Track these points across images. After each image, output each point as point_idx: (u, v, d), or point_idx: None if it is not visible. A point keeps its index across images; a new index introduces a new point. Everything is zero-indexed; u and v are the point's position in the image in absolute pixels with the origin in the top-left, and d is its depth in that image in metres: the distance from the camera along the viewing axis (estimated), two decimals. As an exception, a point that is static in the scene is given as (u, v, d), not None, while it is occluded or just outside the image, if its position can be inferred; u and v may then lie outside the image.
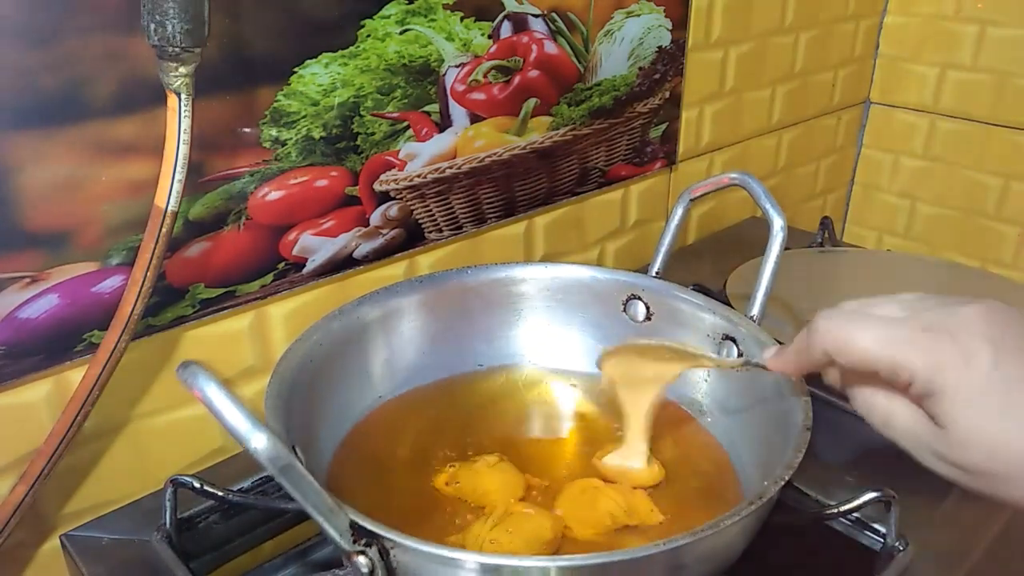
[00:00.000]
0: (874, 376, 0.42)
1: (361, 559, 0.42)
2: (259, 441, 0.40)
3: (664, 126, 0.95)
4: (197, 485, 0.56)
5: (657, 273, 0.69)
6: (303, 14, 0.61)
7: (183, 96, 0.51)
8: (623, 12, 0.84)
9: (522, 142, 0.80)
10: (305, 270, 0.68)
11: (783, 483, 0.45)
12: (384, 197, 0.71)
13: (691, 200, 0.68)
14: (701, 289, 0.67)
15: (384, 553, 0.43)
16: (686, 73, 0.95)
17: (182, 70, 0.50)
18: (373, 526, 0.42)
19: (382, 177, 0.71)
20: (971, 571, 0.56)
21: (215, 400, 0.40)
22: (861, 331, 0.41)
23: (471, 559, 0.42)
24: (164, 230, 0.53)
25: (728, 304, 0.65)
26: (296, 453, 0.48)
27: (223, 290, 0.64)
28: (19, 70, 0.50)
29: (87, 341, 0.58)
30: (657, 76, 0.91)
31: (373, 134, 0.68)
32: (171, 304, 0.61)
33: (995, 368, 0.37)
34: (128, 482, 0.63)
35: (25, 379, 0.56)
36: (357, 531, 0.43)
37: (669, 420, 0.64)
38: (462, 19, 0.71)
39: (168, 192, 0.52)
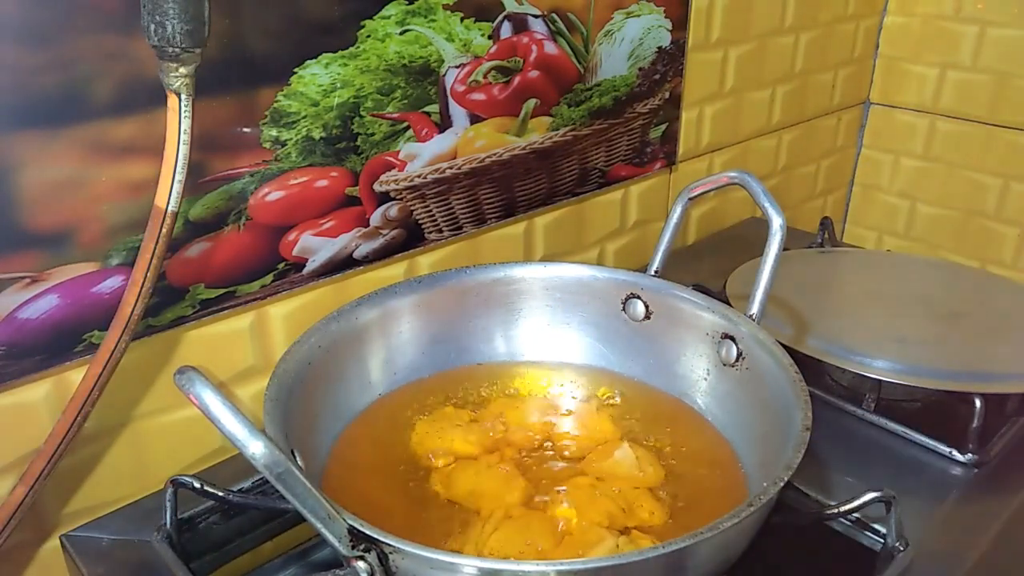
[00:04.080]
0: None
1: (360, 564, 0.42)
2: (256, 448, 0.40)
3: (664, 126, 0.95)
4: (197, 485, 0.56)
5: (656, 272, 0.69)
6: (303, 14, 0.61)
7: (183, 96, 0.51)
8: (623, 12, 0.84)
9: (522, 142, 0.80)
10: (305, 270, 0.68)
11: (782, 484, 0.45)
12: (384, 197, 0.71)
13: (690, 199, 0.68)
14: (701, 289, 0.67)
15: (383, 558, 0.42)
16: (686, 73, 0.95)
17: (182, 70, 0.50)
18: (371, 531, 0.42)
19: (382, 177, 0.71)
20: (971, 571, 0.56)
21: (212, 407, 0.40)
22: None
23: (471, 564, 0.42)
24: (164, 230, 0.53)
25: (728, 304, 0.65)
26: (294, 458, 0.48)
27: (223, 290, 0.64)
28: (19, 70, 0.50)
29: (87, 341, 0.58)
30: (657, 76, 0.91)
31: (373, 134, 0.68)
32: (171, 304, 0.61)
33: None
34: (128, 482, 0.63)
35: (25, 379, 0.56)
36: (355, 536, 0.43)
37: (672, 418, 0.64)
38: (462, 20, 0.71)
39: (168, 192, 0.52)
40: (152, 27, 0.49)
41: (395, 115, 0.69)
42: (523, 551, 0.51)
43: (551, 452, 0.61)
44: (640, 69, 0.88)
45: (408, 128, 0.71)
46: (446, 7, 0.69)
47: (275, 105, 0.62)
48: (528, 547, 0.51)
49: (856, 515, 0.58)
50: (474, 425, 0.63)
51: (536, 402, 0.67)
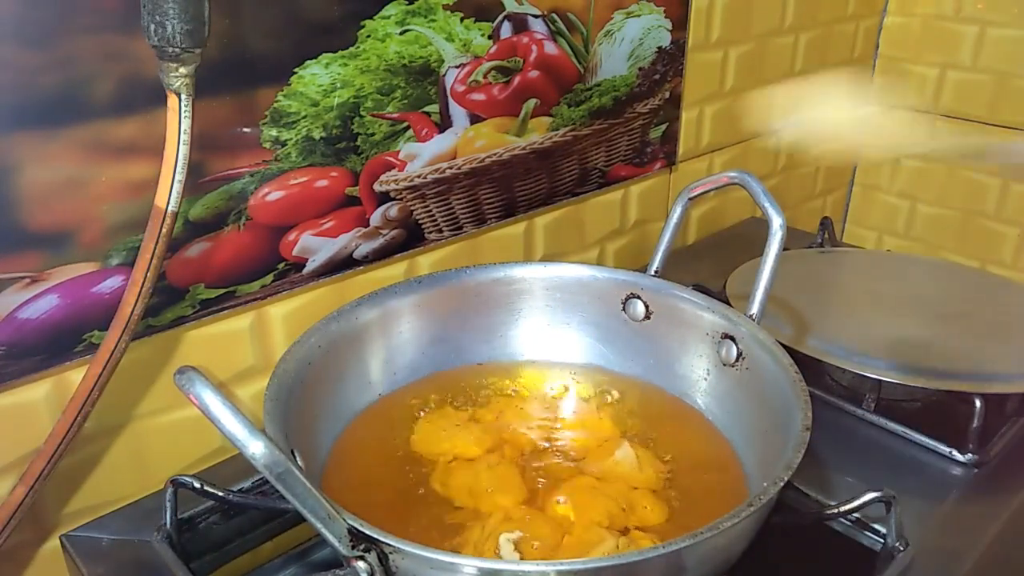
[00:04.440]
0: None
1: (360, 564, 0.42)
2: (256, 448, 0.40)
3: (664, 126, 0.95)
4: (197, 485, 0.56)
5: (656, 272, 0.69)
6: (303, 14, 0.61)
7: (183, 96, 0.51)
8: (623, 13, 0.84)
9: (522, 142, 0.80)
10: (305, 270, 0.68)
11: (782, 484, 0.45)
12: (384, 197, 0.71)
13: (690, 199, 0.68)
14: (701, 289, 0.67)
15: (383, 558, 0.42)
16: (686, 73, 0.95)
17: (182, 70, 0.50)
18: (371, 531, 0.42)
19: (382, 177, 0.71)
20: (971, 571, 0.56)
21: (212, 407, 0.40)
22: None
23: (471, 564, 0.42)
24: (164, 230, 0.53)
25: (728, 304, 0.65)
26: (294, 458, 0.48)
27: (223, 290, 0.64)
28: (19, 70, 0.50)
29: (87, 341, 0.58)
30: (657, 76, 0.91)
31: (373, 134, 0.68)
32: (171, 304, 0.61)
33: None
34: (128, 482, 0.63)
35: (25, 379, 0.56)
36: (355, 536, 0.43)
37: (673, 418, 0.64)
38: (462, 20, 0.71)
39: (168, 192, 0.52)
40: (152, 27, 0.49)
41: (395, 115, 0.69)
42: (523, 551, 0.50)
43: (551, 452, 0.61)
44: (640, 69, 0.88)
45: (408, 128, 0.71)
46: (446, 7, 0.69)
47: (275, 105, 0.62)
48: (528, 547, 0.51)
49: (856, 515, 0.58)
50: (474, 425, 0.63)
51: (536, 402, 0.67)
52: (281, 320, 0.68)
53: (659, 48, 0.90)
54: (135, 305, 0.53)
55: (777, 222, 0.61)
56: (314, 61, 0.63)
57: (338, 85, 0.65)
